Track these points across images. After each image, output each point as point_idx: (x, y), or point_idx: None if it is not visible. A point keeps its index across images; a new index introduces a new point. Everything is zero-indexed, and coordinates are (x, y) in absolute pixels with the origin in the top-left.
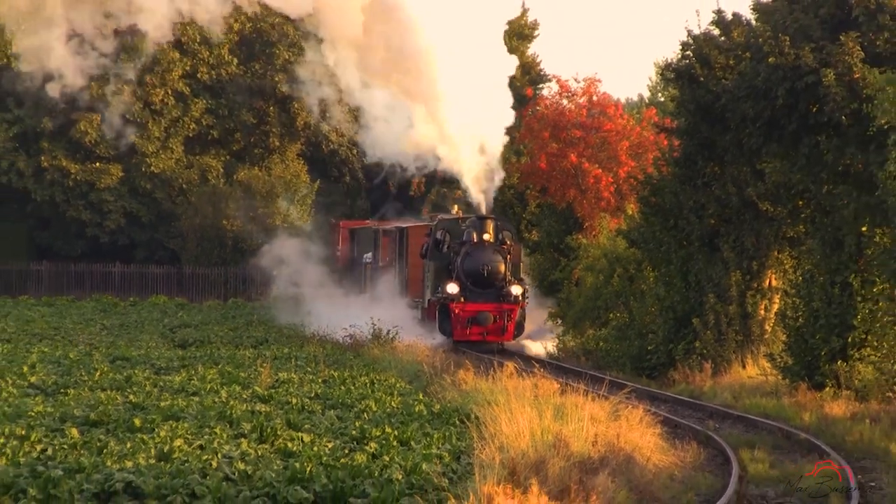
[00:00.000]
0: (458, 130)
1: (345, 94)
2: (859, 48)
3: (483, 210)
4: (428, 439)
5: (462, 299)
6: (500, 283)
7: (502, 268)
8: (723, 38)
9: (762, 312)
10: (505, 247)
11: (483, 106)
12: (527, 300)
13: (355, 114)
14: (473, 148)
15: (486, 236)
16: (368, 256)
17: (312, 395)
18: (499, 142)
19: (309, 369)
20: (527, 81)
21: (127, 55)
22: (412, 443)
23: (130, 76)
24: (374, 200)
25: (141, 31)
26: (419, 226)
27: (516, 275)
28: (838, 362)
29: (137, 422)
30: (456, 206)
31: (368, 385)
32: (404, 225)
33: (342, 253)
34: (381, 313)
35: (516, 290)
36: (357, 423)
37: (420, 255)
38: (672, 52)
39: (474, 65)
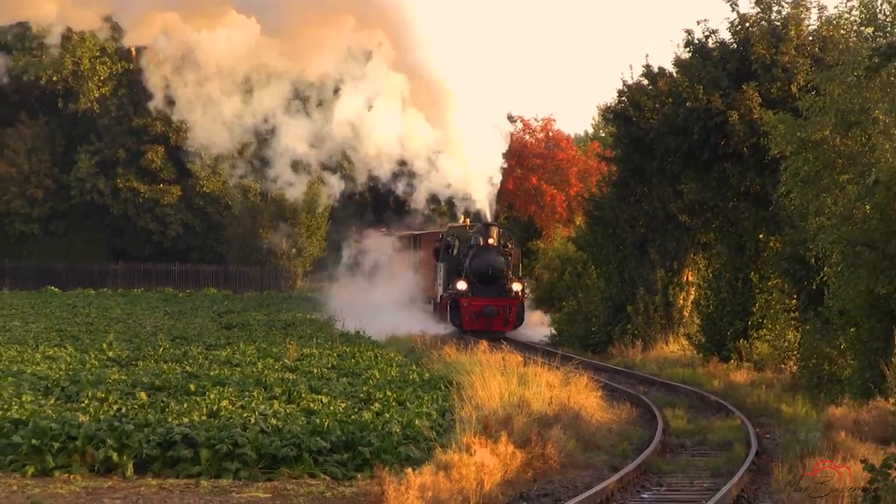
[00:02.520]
0: (469, 150)
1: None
2: (758, 95)
3: (488, 218)
4: (420, 400)
5: (470, 295)
6: (503, 281)
7: (505, 268)
8: (650, 87)
9: (681, 301)
10: (507, 250)
11: (487, 130)
12: (525, 295)
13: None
14: (480, 165)
15: (490, 240)
16: (385, 259)
17: (329, 366)
18: (498, 161)
19: (327, 346)
20: None
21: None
22: (407, 403)
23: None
24: (378, 213)
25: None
26: (430, 233)
27: (516, 274)
28: (741, 340)
29: (192, 387)
30: (462, 216)
31: (373, 358)
32: (417, 232)
33: (361, 255)
34: (395, 305)
35: (517, 286)
36: (364, 388)
37: (434, 257)
38: (611, 98)
39: (482, 94)
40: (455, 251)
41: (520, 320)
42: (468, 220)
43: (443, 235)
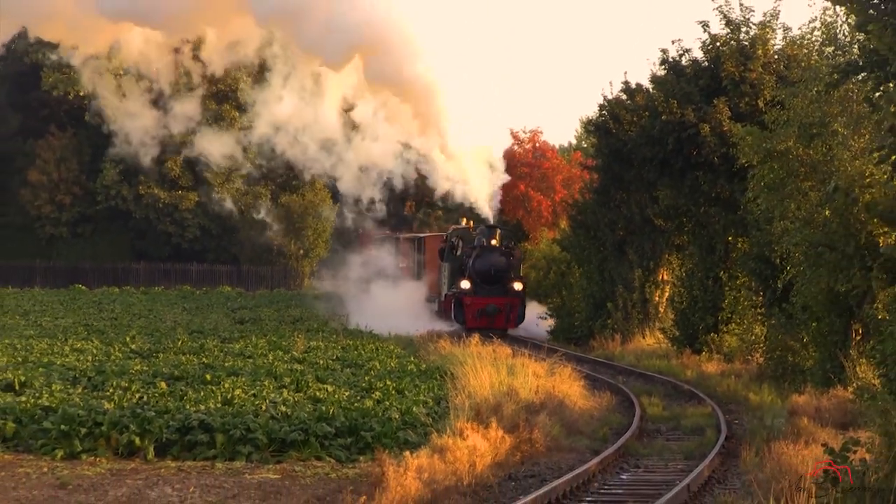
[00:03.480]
0: (469, 157)
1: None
2: (727, 109)
3: (491, 221)
4: (417, 389)
5: (473, 294)
6: (505, 281)
7: (507, 268)
8: (629, 102)
9: (657, 298)
10: (509, 250)
11: (487, 135)
12: (526, 294)
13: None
14: (482, 171)
15: (493, 242)
16: (390, 259)
17: (334, 357)
18: (501, 165)
19: (332, 339)
20: None
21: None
22: (406, 392)
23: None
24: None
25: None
26: (434, 235)
27: (517, 274)
28: (711, 334)
29: (208, 377)
30: (465, 219)
31: (374, 351)
32: (422, 235)
33: (368, 257)
34: (400, 303)
35: (518, 286)
36: (366, 378)
37: (438, 257)
38: (592, 112)
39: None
40: (459, 252)
41: (521, 318)
42: (472, 223)
43: (447, 237)
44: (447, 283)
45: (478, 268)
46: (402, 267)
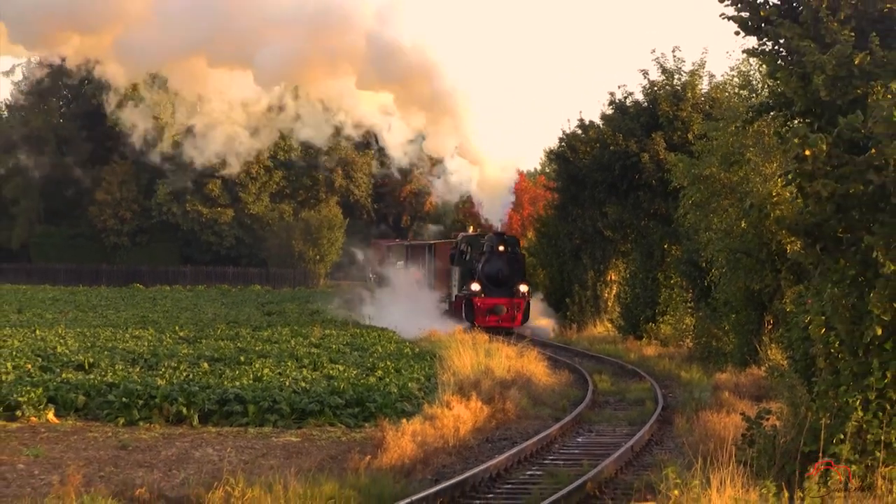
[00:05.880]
0: (486, 166)
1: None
2: (663, 141)
3: (499, 228)
4: (412, 369)
5: (482, 295)
6: (511, 283)
7: (513, 271)
8: (583, 135)
9: (606, 295)
10: (514, 256)
11: (500, 148)
12: (531, 295)
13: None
14: (493, 182)
15: (500, 247)
16: (400, 264)
17: (344, 343)
18: (511, 177)
19: (343, 329)
20: None
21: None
22: (402, 371)
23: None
24: (381, 230)
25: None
26: (443, 242)
27: (522, 277)
28: (650, 324)
29: (242, 359)
30: (472, 226)
31: (377, 338)
32: (432, 241)
33: (380, 261)
34: (414, 303)
35: (523, 288)
36: (370, 359)
37: (449, 262)
38: (554, 143)
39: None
40: (468, 256)
41: (525, 317)
42: (478, 230)
43: (457, 243)
44: (457, 285)
45: (486, 271)
46: (414, 270)
